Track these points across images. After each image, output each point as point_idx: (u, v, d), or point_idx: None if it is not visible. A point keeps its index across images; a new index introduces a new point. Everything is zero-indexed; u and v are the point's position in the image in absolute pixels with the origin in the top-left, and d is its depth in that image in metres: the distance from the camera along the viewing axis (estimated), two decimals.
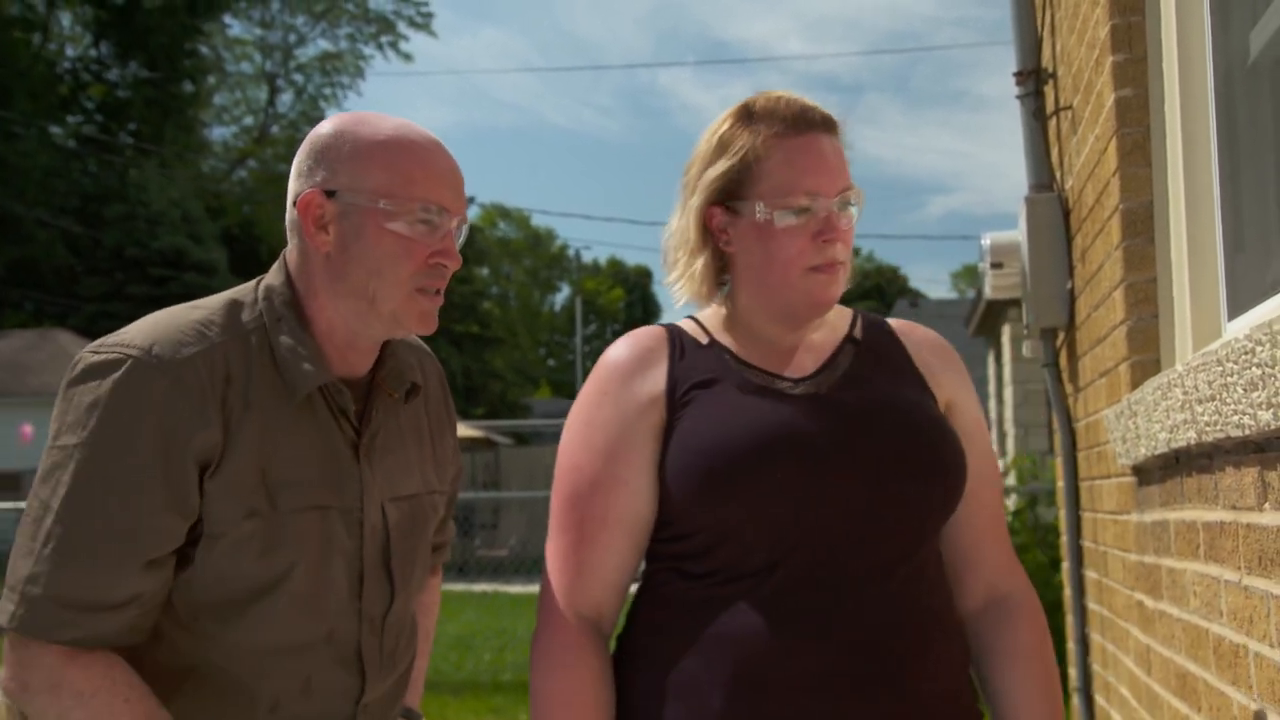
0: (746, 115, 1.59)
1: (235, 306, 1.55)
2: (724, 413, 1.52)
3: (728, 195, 1.58)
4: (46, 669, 1.40)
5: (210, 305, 1.55)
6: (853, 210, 1.58)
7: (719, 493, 1.47)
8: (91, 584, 1.40)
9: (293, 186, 1.56)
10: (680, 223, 1.64)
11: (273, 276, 1.59)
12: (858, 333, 1.67)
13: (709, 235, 1.61)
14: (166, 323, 1.50)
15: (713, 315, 1.67)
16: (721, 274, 1.64)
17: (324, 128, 1.56)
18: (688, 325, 1.67)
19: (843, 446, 1.50)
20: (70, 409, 1.44)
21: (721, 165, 1.57)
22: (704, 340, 1.63)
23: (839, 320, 1.68)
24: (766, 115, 1.57)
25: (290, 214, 1.56)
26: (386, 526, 1.60)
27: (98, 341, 1.49)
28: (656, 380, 1.58)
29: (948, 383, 1.65)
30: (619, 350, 1.63)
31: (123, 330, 1.50)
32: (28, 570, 1.40)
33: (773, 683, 1.43)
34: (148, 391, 1.42)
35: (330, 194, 1.51)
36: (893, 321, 1.72)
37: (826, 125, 1.58)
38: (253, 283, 1.61)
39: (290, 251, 1.59)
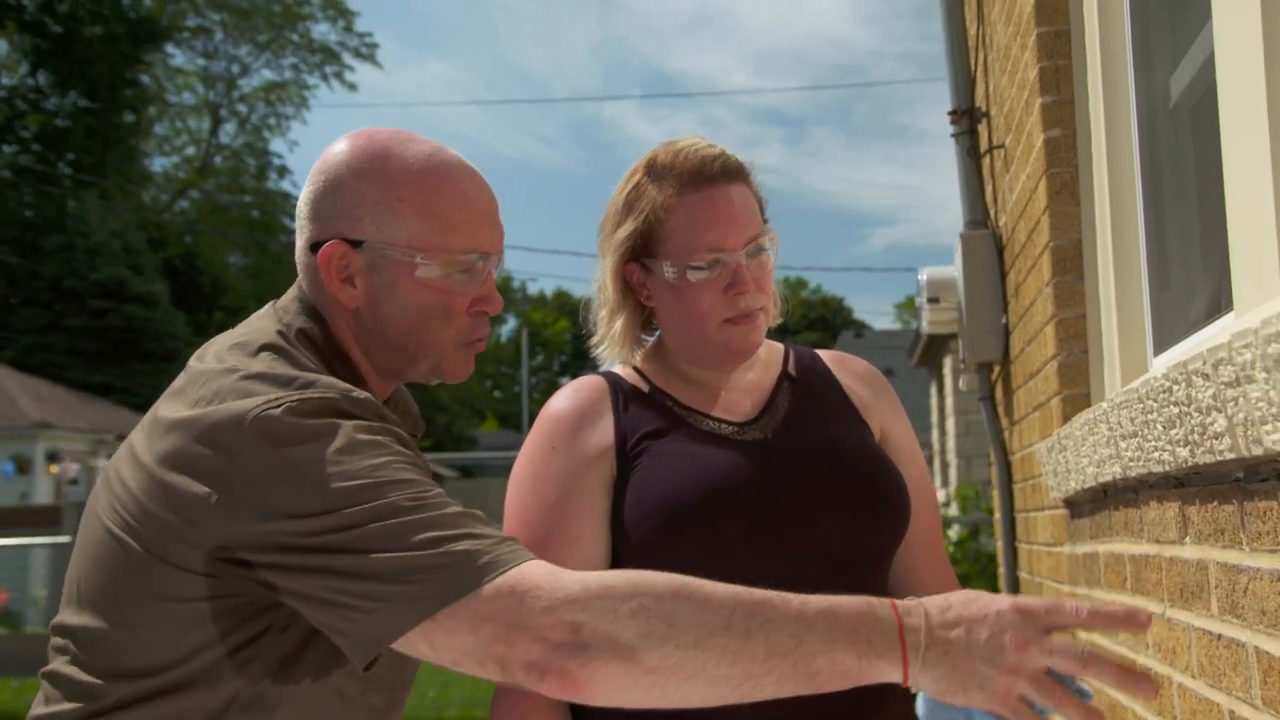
0: (650, 171, 1.58)
1: (285, 356, 1.28)
2: (675, 464, 1.52)
3: (639, 253, 1.58)
4: None
5: (271, 370, 1.25)
6: (766, 254, 1.58)
7: (674, 544, 1.47)
8: None
9: (309, 228, 1.36)
10: (601, 280, 1.64)
11: (296, 319, 1.36)
12: (792, 369, 1.69)
13: (629, 291, 1.62)
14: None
15: (649, 362, 1.67)
16: (649, 323, 1.65)
17: (340, 157, 1.35)
18: (625, 373, 1.66)
19: (792, 493, 1.51)
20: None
21: (628, 226, 1.58)
22: (645, 388, 1.63)
23: (771, 357, 1.70)
24: (667, 172, 1.56)
25: (306, 257, 1.37)
26: None
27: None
28: (604, 432, 1.57)
29: (880, 413, 1.68)
30: (562, 402, 1.61)
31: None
32: None
33: None
34: None
35: (355, 243, 1.33)
36: (823, 353, 1.74)
37: (727, 175, 1.56)
38: (270, 331, 1.33)
39: (311, 291, 1.39)
